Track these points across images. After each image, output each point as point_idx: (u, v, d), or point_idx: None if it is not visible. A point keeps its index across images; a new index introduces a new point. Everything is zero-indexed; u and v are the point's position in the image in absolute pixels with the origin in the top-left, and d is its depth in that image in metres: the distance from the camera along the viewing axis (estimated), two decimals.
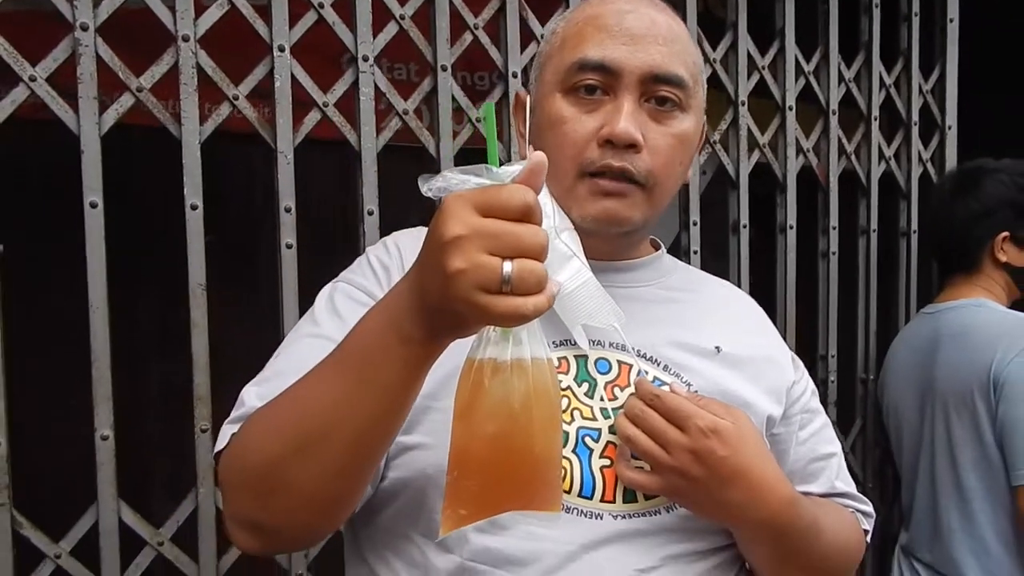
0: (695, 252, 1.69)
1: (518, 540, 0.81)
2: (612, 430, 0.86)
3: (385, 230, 1.18)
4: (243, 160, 1.72)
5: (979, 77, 2.26)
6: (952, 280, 1.75)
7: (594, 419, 0.87)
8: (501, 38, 1.51)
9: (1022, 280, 1.71)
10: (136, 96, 1.24)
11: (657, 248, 1.03)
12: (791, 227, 1.82)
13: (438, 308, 0.64)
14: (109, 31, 1.22)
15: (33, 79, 1.18)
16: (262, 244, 1.64)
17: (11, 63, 1.17)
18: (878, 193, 1.95)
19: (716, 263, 1.67)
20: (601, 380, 0.88)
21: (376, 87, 1.40)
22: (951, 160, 2.06)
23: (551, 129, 0.89)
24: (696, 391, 0.89)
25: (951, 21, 2.04)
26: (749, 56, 1.75)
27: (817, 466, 1.00)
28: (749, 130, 1.76)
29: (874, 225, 1.95)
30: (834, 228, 1.89)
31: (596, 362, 0.89)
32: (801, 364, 1.05)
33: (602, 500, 0.84)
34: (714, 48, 1.71)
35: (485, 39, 1.50)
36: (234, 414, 0.84)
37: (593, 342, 0.89)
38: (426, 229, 0.66)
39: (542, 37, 1.39)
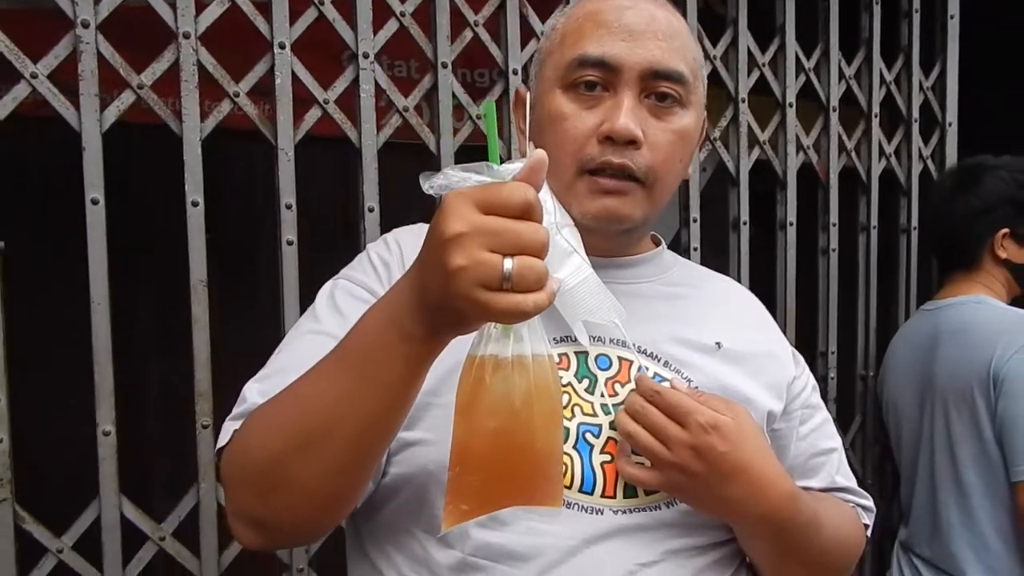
0: (695, 249, 1.70)
1: (519, 535, 0.82)
2: (613, 426, 0.86)
3: (385, 227, 1.18)
4: (244, 157, 1.73)
5: (979, 74, 2.26)
6: (952, 277, 1.75)
7: (595, 415, 0.87)
8: (501, 35, 1.51)
9: (1022, 277, 1.71)
10: (137, 93, 1.25)
11: (658, 244, 1.04)
12: (791, 224, 1.82)
13: (439, 305, 0.64)
14: (110, 28, 1.22)
15: (34, 76, 1.18)
16: (263, 241, 1.65)
17: (12, 60, 1.18)
18: (878, 190, 1.96)
19: (716, 260, 1.67)
20: (602, 376, 0.89)
21: (376, 84, 1.40)
22: (951, 157, 2.06)
23: (551, 125, 0.89)
24: (697, 387, 0.90)
25: (952, 18, 2.04)
26: (749, 53, 1.75)
27: (818, 461, 1.00)
28: (749, 127, 1.76)
29: (874, 222, 1.95)
30: (834, 225, 1.89)
31: (597, 358, 0.89)
32: (802, 359, 1.05)
33: (603, 495, 0.85)
34: (714, 45, 1.71)
35: (485, 36, 1.50)
36: (236, 410, 0.84)
37: (594, 338, 0.90)
38: (426, 226, 0.66)
39: (542, 34, 1.39)
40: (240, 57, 1.31)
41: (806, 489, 0.95)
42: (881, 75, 1.94)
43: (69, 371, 1.33)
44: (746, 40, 1.74)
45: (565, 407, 0.86)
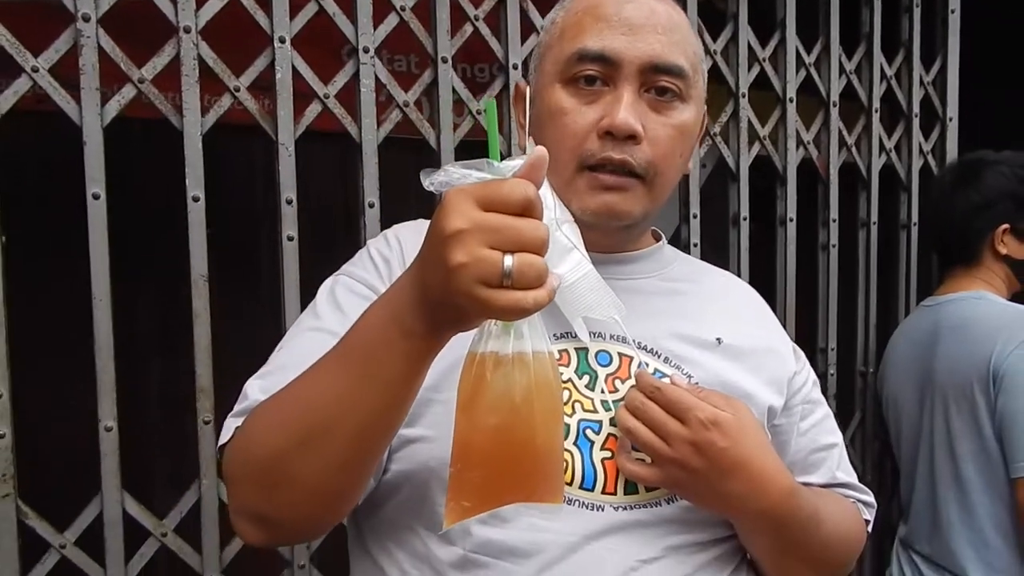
0: (695, 245, 1.70)
1: (520, 532, 0.82)
2: (613, 422, 0.86)
3: (386, 222, 1.18)
4: (244, 152, 1.72)
5: (980, 69, 2.26)
6: (952, 272, 1.75)
7: (595, 411, 0.87)
8: (502, 30, 1.51)
9: (1022, 272, 1.71)
10: (138, 87, 1.24)
11: (658, 239, 1.04)
12: (791, 219, 1.82)
13: (439, 302, 0.64)
14: (111, 22, 1.22)
15: (35, 70, 1.18)
16: (263, 236, 1.65)
17: (13, 54, 1.18)
18: (878, 185, 1.95)
19: (716, 256, 1.67)
20: (602, 372, 0.89)
21: (377, 79, 1.40)
22: (952, 152, 2.05)
23: (551, 120, 0.89)
24: (697, 383, 0.90)
25: (952, 12, 2.04)
26: (750, 48, 1.74)
27: (818, 456, 1.00)
28: (749, 122, 1.76)
29: (874, 217, 1.95)
30: (834, 220, 1.89)
31: (597, 354, 0.90)
32: (802, 354, 1.05)
33: (603, 492, 0.85)
34: (715, 40, 1.71)
35: (485, 31, 1.50)
36: (238, 407, 0.84)
37: (594, 334, 0.90)
38: (427, 222, 0.66)
39: (542, 28, 1.39)
40: (240, 52, 1.31)
41: (807, 485, 0.95)
42: (882, 70, 1.94)
43: (71, 367, 1.33)
44: (746, 35, 1.74)
45: (565, 403, 0.86)
